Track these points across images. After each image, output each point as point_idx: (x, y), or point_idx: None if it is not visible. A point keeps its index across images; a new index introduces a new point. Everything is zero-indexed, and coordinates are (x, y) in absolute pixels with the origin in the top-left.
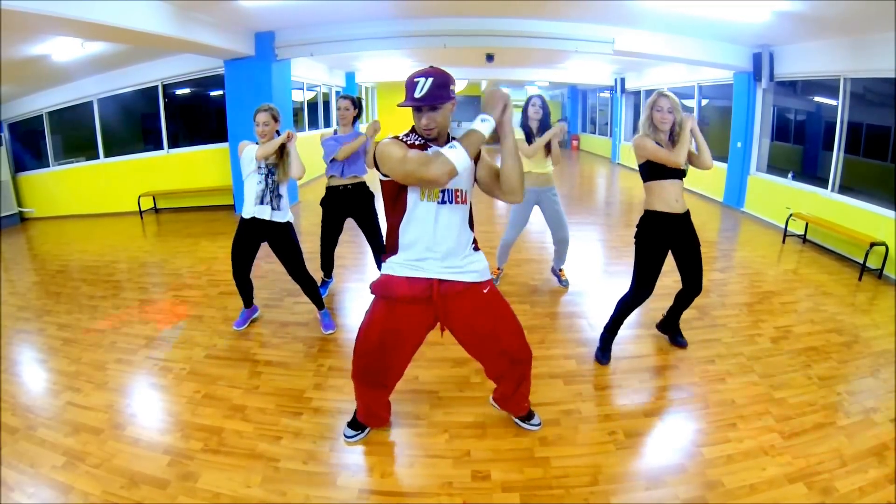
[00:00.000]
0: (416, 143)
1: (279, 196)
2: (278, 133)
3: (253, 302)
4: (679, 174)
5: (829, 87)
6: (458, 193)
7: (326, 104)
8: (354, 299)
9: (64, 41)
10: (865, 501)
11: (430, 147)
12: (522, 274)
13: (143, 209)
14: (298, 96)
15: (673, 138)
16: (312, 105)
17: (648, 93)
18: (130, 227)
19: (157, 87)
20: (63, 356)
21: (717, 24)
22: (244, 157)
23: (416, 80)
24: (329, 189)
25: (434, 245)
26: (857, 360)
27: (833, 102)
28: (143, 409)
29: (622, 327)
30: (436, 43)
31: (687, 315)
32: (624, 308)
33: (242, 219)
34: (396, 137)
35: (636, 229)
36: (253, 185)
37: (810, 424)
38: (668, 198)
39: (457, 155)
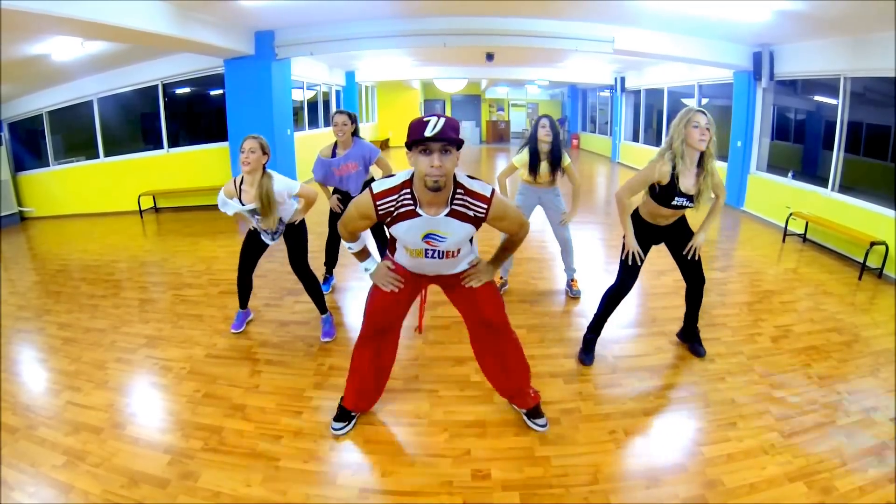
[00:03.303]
0: (403, 207)
1: (279, 221)
2: (265, 169)
3: (248, 304)
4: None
5: (829, 86)
6: (449, 253)
7: (326, 103)
8: (355, 299)
9: (64, 41)
10: (865, 501)
11: (420, 216)
12: (523, 273)
13: (143, 208)
14: (298, 95)
15: (702, 164)
16: (312, 104)
17: (649, 92)
18: (130, 227)
19: (156, 86)
20: (63, 355)
21: (718, 23)
22: (222, 204)
23: (426, 119)
24: (335, 190)
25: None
26: (857, 359)
27: (833, 102)
28: (144, 408)
29: (621, 327)
30: (436, 42)
31: None
32: (610, 300)
33: (250, 229)
34: (374, 194)
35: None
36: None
37: (810, 423)
38: (657, 216)
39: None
